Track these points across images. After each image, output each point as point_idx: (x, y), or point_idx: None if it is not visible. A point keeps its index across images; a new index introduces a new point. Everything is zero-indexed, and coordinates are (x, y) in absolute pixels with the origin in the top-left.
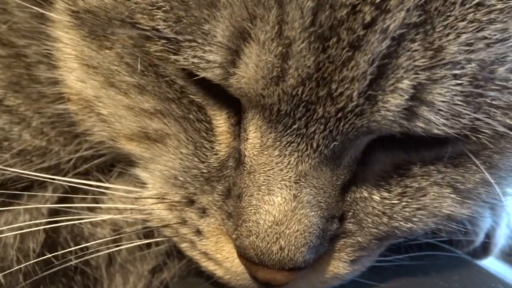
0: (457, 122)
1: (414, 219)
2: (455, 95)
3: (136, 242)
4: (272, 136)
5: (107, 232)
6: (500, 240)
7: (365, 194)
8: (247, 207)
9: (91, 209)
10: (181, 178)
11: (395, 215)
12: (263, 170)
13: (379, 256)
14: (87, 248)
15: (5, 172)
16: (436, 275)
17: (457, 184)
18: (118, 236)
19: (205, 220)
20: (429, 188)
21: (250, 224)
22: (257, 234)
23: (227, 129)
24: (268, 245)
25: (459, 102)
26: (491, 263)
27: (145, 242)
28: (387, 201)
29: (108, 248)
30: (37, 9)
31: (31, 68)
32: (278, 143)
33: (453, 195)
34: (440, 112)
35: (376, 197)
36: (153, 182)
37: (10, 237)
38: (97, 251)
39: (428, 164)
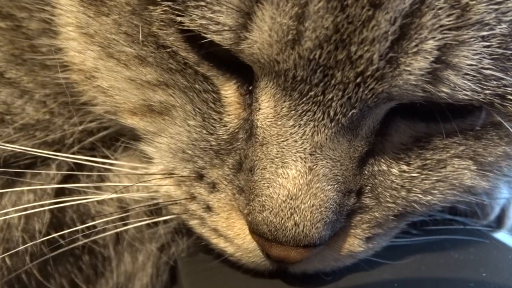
0: (484, 87)
1: (434, 191)
2: (483, 57)
3: (144, 220)
4: (286, 104)
5: (113, 209)
6: None
7: (384, 167)
8: (260, 181)
9: (97, 187)
10: (189, 152)
11: (414, 188)
12: (277, 142)
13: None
14: (94, 226)
15: (8, 148)
16: (451, 248)
17: (478, 157)
18: (125, 214)
19: (215, 195)
20: (450, 160)
21: (263, 198)
22: (271, 209)
23: (236, 99)
24: (282, 221)
25: (487, 66)
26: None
27: (151, 221)
28: (406, 174)
29: (116, 227)
30: None
31: (33, 40)
32: (293, 112)
33: (473, 167)
34: (467, 76)
35: (395, 170)
36: (159, 157)
37: (15, 217)
38: (104, 229)
39: (449, 136)
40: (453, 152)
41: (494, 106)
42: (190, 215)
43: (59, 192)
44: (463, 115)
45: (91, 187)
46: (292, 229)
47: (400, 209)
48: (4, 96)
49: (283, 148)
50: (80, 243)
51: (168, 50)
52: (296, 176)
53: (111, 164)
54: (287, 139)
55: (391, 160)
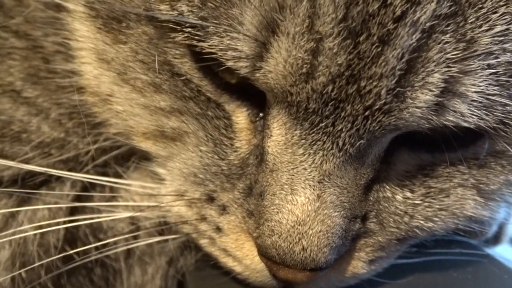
0: (489, 113)
1: (435, 219)
2: (489, 84)
3: (154, 238)
4: (297, 133)
5: (125, 225)
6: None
7: (388, 194)
8: (270, 206)
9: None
10: (201, 176)
11: (416, 215)
12: (287, 169)
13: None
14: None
15: (24, 167)
16: (450, 267)
17: (481, 186)
18: (136, 233)
19: (225, 217)
20: (453, 189)
21: (273, 223)
22: (280, 233)
23: (247, 125)
24: (291, 245)
25: (493, 92)
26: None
27: (161, 239)
28: (410, 201)
29: (127, 242)
30: None
31: (48, 60)
32: (303, 141)
33: (476, 197)
34: (473, 102)
35: (399, 197)
36: (171, 179)
37: (30, 233)
38: (116, 244)
39: (453, 165)
40: (456, 181)
41: (497, 132)
42: (200, 234)
43: (73, 209)
44: (467, 144)
45: (104, 205)
46: (300, 253)
47: (402, 233)
48: (21, 115)
49: (293, 175)
50: (93, 257)
51: (182, 78)
52: (304, 203)
53: (124, 183)
54: (296, 167)
55: (395, 187)
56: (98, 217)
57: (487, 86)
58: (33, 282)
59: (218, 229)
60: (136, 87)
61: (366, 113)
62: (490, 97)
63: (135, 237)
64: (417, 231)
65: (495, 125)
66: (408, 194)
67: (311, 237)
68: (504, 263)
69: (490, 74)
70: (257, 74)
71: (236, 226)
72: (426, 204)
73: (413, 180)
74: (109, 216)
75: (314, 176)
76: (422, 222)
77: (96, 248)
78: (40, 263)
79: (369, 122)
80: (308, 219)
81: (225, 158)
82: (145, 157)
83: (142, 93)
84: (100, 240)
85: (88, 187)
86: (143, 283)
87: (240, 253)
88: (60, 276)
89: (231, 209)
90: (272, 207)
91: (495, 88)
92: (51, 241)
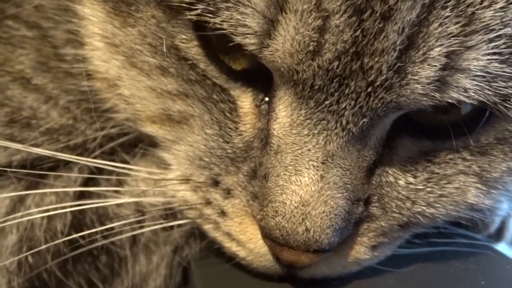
0: (491, 88)
1: (437, 205)
2: (492, 59)
3: (160, 223)
4: (302, 113)
5: (130, 212)
6: None
7: (391, 178)
8: (274, 187)
9: (115, 190)
10: (206, 159)
11: (418, 200)
12: (291, 150)
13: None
14: (112, 227)
15: (33, 151)
16: (452, 258)
17: (483, 173)
18: (142, 218)
19: (230, 201)
20: (455, 176)
21: (277, 204)
22: (283, 214)
23: (252, 110)
24: (294, 226)
25: (495, 66)
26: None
27: (167, 225)
28: (412, 186)
29: (132, 229)
30: None
31: (58, 48)
32: (308, 121)
33: (478, 185)
34: (476, 77)
35: (402, 182)
36: (177, 163)
37: (38, 217)
38: (122, 231)
39: (456, 151)
40: (459, 168)
41: (499, 110)
42: (205, 219)
43: (80, 194)
44: (469, 131)
45: (110, 190)
46: (303, 234)
47: (405, 219)
48: (31, 101)
49: (297, 156)
50: (98, 243)
51: (189, 62)
52: (308, 184)
53: (129, 169)
54: (301, 148)
55: (398, 172)
56: (104, 202)
57: (489, 61)
58: (40, 268)
59: (223, 213)
60: (143, 70)
61: (369, 90)
62: (492, 71)
63: (141, 224)
64: (419, 217)
65: (497, 101)
66: (411, 179)
67: (314, 218)
68: (506, 254)
69: (492, 48)
70: (265, 52)
71: (240, 209)
72: (428, 189)
73: (416, 165)
74: (114, 201)
75: (318, 156)
76: (424, 207)
77: (102, 235)
78: (47, 246)
79: (371, 99)
80: (311, 199)
81: (229, 141)
82: (152, 144)
83: (149, 76)
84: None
85: (96, 173)
86: (148, 271)
87: (244, 237)
88: (66, 262)
89: (235, 192)
90: (276, 188)
91: (497, 63)
92: (58, 226)
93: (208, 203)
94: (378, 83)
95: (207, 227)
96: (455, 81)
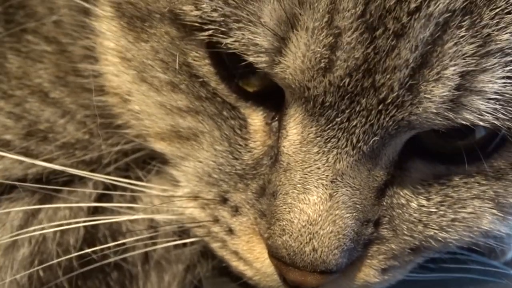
0: (507, 113)
1: (450, 229)
2: (507, 82)
3: (172, 241)
4: (313, 130)
5: (144, 228)
6: None
7: (403, 200)
8: (281, 205)
9: (129, 206)
10: (215, 175)
11: (431, 223)
12: (300, 168)
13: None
14: (124, 243)
15: (48, 166)
16: (467, 285)
17: (499, 198)
18: (155, 234)
19: (238, 218)
20: (470, 200)
21: (284, 223)
22: (290, 233)
23: (262, 127)
24: (301, 245)
25: (510, 90)
26: None
27: (180, 243)
28: (425, 209)
29: (145, 245)
30: (83, 3)
31: (75, 64)
32: (318, 138)
33: (494, 210)
34: (490, 100)
35: (414, 204)
36: (186, 180)
37: (50, 232)
38: (134, 247)
39: (470, 176)
40: (474, 192)
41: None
42: (213, 237)
43: (94, 210)
44: (484, 155)
45: (124, 206)
46: (310, 254)
47: (416, 243)
48: (48, 115)
49: (306, 174)
50: (111, 260)
51: (199, 80)
52: (316, 202)
53: (143, 185)
54: (310, 166)
55: (410, 194)
56: (118, 218)
57: (504, 85)
58: (50, 282)
59: (230, 231)
60: (153, 86)
61: (380, 107)
62: (507, 95)
63: (153, 241)
64: (431, 241)
65: (510, 125)
66: (423, 202)
67: (322, 238)
68: None
69: (507, 72)
70: (276, 69)
71: (247, 227)
72: (441, 212)
73: (429, 188)
74: (127, 217)
75: (327, 175)
76: (436, 231)
77: (114, 251)
78: (58, 260)
79: (382, 116)
80: (319, 218)
81: (239, 158)
82: (164, 161)
83: (159, 91)
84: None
85: (111, 188)
86: None
87: (251, 256)
88: (77, 278)
89: (243, 210)
90: (284, 206)
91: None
92: (70, 241)
93: (216, 220)
94: (389, 100)
95: (215, 245)
96: (469, 102)
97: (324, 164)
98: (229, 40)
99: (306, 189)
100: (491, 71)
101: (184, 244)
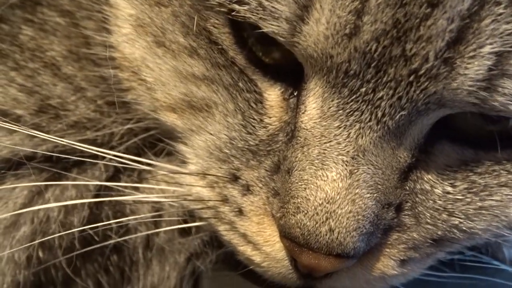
0: None
1: (476, 218)
2: None
3: (176, 226)
4: (335, 103)
5: (147, 210)
6: None
7: (427, 186)
8: (297, 182)
9: (135, 187)
10: (226, 150)
11: (456, 212)
12: (319, 143)
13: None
14: (127, 225)
15: (59, 143)
16: None
17: None
18: (158, 219)
19: (249, 198)
20: (497, 188)
21: (299, 200)
22: (306, 211)
23: (279, 103)
24: (317, 225)
25: None
26: None
27: (184, 226)
28: (450, 196)
29: (148, 229)
30: None
31: (88, 38)
32: (340, 111)
33: None
34: None
35: (439, 191)
36: (195, 156)
37: (55, 211)
38: (136, 229)
39: (499, 163)
40: (502, 180)
41: None
42: (220, 219)
43: (100, 191)
44: None
45: (129, 187)
46: (326, 234)
47: (439, 232)
48: (60, 91)
49: (325, 150)
50: (112, 241)
51: (218, 47)
52: (335, 179)
53: (152, 165)
54: (330, 141)
55: (435, 180)
56: (123, 198)
57: None
58: (49, 262)
59: (240, 212)
60: (170, 49)
61: (411, 78)
62: None
63: (157, 225)
64: (455, 231)
65: None
66: (449, 189)
67: (340, 218)
68: None
69: None
70: (297, 38)
71: (259, 207)
72: (468, 199)
73: (455, 174)
74: (132, 197)
75: (348, 151)
76: (461, 220)
77: (116, 233)
78: (60, 240)
79: (413, 89)
80: (338, 197)
81: (253, 133)
82: (176, 139)
83: (176, 57)
84: (121, 224)
85: (121, 171)
86: (158, 281)
87: (261, 238)
88: (76, 259)
89: (255, 189)
90: (300, 183)
91: None
92: (74, 221)
93: (225, 200)
94: (422, 71)
95: (222, 228)
96: (502, 85)
97: (345, 139)
98: (246, 7)
99: (324, 165)
100: None
101: (189, 233)
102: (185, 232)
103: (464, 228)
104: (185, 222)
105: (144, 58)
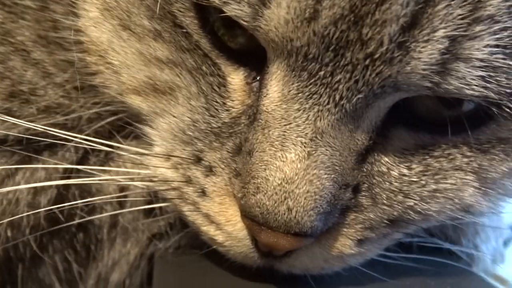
0: (493, 82)
1: (430, 200)
2: (494, 52)
3: (140, 206)
4: (295, 86)
5: (113, 190)
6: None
7: (384, 168)
8: (257, 163)
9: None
10: (189, 133)
11: (411, 194)
12: (279, 125)
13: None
14: (93, 206)
15: (31, 127)
16: (430, 276)
17: (482, 172)
18: (124, 199)
19: (211, 179)
20: (452, 171)
21: (259, 180)
22: (265, 191)
23: (242, 87)
24: (275, 204)
25: (497, 59)
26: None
27: (148, 207)
28: (406, 178)
29: (113, 209)
30: None
31: (57, 22)
32: (300, 94)
33: (476, 183)
34: (477, 68)
35: (395, 173)
36: (160, 138)
37: (24, 192)
38: (102, 209)
39: (455, 146)
40: (457, 163)
41: (501, 108)
42: (184, 200)
43: (68, 172)
44: (471, 128)
45: (95, 169)
46: (284, 213)
47: (395, 213)
48: (30, 76)
49: (285, 132)
50: (77, 220)
51: (183, 30)
52: (294, 160)
53: (118, 148)
54: (290, 123)
55: (391, 162)
56: (89, 179)
57: (491, 53)
58: (17, 240)
59: (203, 192)
60: (135, 33)
61: (367, 62)
62: (494, 64)
63: (122, 205)
64: (410, 212)
65: (499, 97)
66: (405, 171)
67: (298, 197)
68: (485, 279)
69: (496, 40)
70: (259, 22)
71: (221, 188)
72: (423, 182)
73: (411, 157)
74: (99, 179)
75: (306, 133)
76: (416, 201)
77: (81, 210)
78: (28, 220)
79: (369, 72)
80: (296, 177)
81: (216, 116)
82: (142, 122)
83: (141, 39)
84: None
85: (90, 153)
86: (119, 257)
87: (223, 218)
88: (43, 236)
89: (217, 170)
90: (260, 163)
91: (500, 56)
92: (42, 202)
93: (188, 181)
94: (377, 55)
95: (186, 209)
96: (455, 69)
97: (304, 122)
98: None
99: (284, 146)
100: (479, 39)
101: (153, 214)
102: (149, 213)
103: (419, 209)
104: (150, 203)
105: (111, 42)
